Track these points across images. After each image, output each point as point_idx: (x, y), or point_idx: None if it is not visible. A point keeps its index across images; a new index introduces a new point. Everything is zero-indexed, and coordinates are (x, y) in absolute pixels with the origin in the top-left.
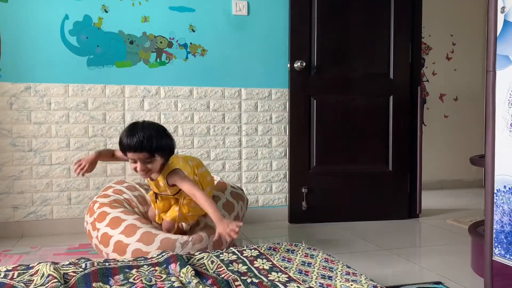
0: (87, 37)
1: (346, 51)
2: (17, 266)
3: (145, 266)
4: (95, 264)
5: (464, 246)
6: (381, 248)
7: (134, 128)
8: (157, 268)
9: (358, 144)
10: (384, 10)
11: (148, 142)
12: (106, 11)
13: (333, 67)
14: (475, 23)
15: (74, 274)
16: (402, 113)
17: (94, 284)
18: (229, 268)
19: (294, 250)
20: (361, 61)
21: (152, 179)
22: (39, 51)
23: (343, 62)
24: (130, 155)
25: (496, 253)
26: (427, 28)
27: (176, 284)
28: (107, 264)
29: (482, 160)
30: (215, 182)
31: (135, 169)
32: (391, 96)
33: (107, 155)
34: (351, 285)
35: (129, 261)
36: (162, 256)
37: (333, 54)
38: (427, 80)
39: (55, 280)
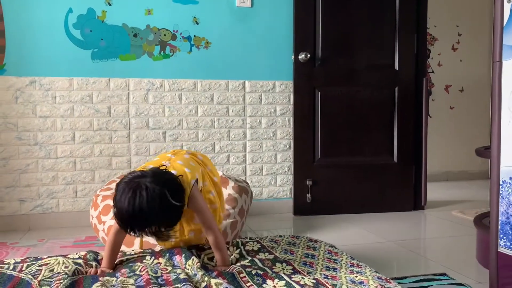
0: (91, 31)
1: (351, 42)
2: (25, 259)
3: (148, 257)
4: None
5: (470, 238)
6: (386, 240)
7: (129, 215)
8: (161, 260)
9: (363, 136)
10: (389, 0)
11: (149, 227)
12: (110, 4)
13: (338, 59)
14: (481, 14)
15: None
16: (407, 104)
17: (100, 278)
18: (233, 261)
19: (295, 242)
20: (365, 52)
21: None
22: (43, 45)
23: (347, 53)
24: None
25: (502, 244)
26: (433, 19)
27: (182, 276)
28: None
29: (488, 152)
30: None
31: None
32: (396, 88)
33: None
34: (356, 276)
35: (135, 253)
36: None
37: (337, 45)
38: (433, 71)
39: (63, 273)
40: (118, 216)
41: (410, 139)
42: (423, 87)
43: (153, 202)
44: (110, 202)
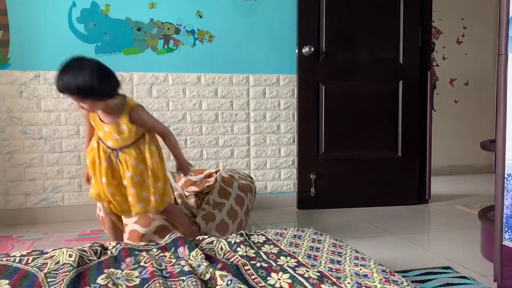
0: (94, 25)
1: (355, 35)
2: (31, 252)
3: (155, 250)
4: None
5: (474, 232)
6: (390, 234)
7: (65, 68)
8: (166, 253)
9: (367, 130)
10: None
11: (74, 86)
12: None
13: (342, 52)
14: (487, 6)
15: (88, 262)
16: (412, 98)
17: (105, 270)
18: (238, 252)
19: (301, 235)
20: (370, 46)
21: (104, 122)
22: (47, 39)
23: (352, 47)
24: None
25: (506, 237)
26: (437, 12)
27: (186, 268)
28: (119, 246)
29: (493, 145)
30: (222, 175)
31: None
32: (401, 81)
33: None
34: (360, 269)
35: (140, 245)
36: (170, 237)
37: (341, 39)
38: (437, 65)
39: (68, 265)
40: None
41: (415, 133)
42: (428, 80)
43: (81, 66)
44: None
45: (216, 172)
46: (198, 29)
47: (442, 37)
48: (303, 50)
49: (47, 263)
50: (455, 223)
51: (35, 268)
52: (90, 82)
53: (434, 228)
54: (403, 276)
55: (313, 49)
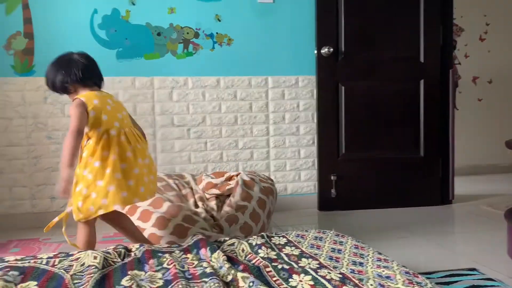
0: (115, 30)
1: (375, 35)
2: (57, 254)
3: (177, 251)
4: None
5: (500, 232)
6: (413, 235)
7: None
8: (188, 255)
9: (388, 129)
10: None
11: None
12: (133, 4)
13: (362, 52)
14: (510, 2)
15: (112, 264)
16: (433, 97)
17: (129, 272)
18: (259, 254)
19: (322, 237)
20: (390, 45)
21: None
22: (70, 45)
23: (371, 46)
24: None
25: None
26: (459, 9)
27: (208, 270)
28: (142, 248)
29: None
30: (243, 178)
31: None
32: (422, 80)
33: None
34: (383, 271)
35: (162, 247)
36: (192, 239)
37: (361, 38)
38: (459, 63)
39: (93, 267)
40: None
41: (437, 133)
42: (450, 79)
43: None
44: (149, 208)
45: (237, 175)
46: (217, 33)
47: (464, 34)
48: (322, 51)
49: (73, 265)
50: (480, 223)
51: (61, 270)
52: (47, 78)
53: (459, 229)
54: (427, 278)
55: (332, 49)
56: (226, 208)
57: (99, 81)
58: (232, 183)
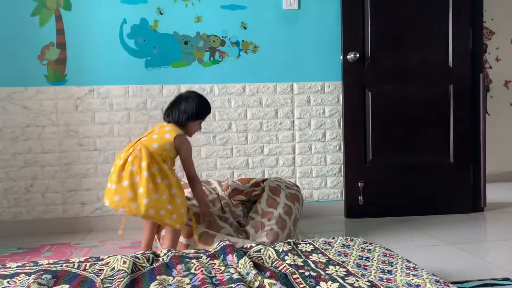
0: (144, 40)
1: (401, 39)
2: (88, 258)
3: (204, 257)
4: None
5: None
6: (443, 243)
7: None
8: (215, 261)
9: (416, 135)
10: None
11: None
12: (161, 14)
13: (388, 57)
14: None
15: (141, 269)
16: (463, 102)
17: (158, 277)
18: (286, 261)
19: (349, 245)
20: (417, 49)
21: None
22: (100, 55)
23: (398, 51)
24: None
25: None
26: (489, 12)
27: (235, 276)
28: (170, 253)
29: None
30: (270, 185)
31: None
32: (451, 85)
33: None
34: (412, 279)
35: (190, 253)
36: (219, 245)
37: (387, 43)
38: (490, 67)
39: (123, 271)
40: (202, 106)
41: (467, 138)
42: (480, 83)
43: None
44: None
45: (263, 181)
46: (242, 40)
47: (495, 37)
48: (348, 56)
49: (103, 269)
50: None
51: (92, 274)
52: (189, 106)
53: (491, 237)
54: (459, 287)
55: (358, 54)
56: (252, 215)
57: None
58: (258, 189)
